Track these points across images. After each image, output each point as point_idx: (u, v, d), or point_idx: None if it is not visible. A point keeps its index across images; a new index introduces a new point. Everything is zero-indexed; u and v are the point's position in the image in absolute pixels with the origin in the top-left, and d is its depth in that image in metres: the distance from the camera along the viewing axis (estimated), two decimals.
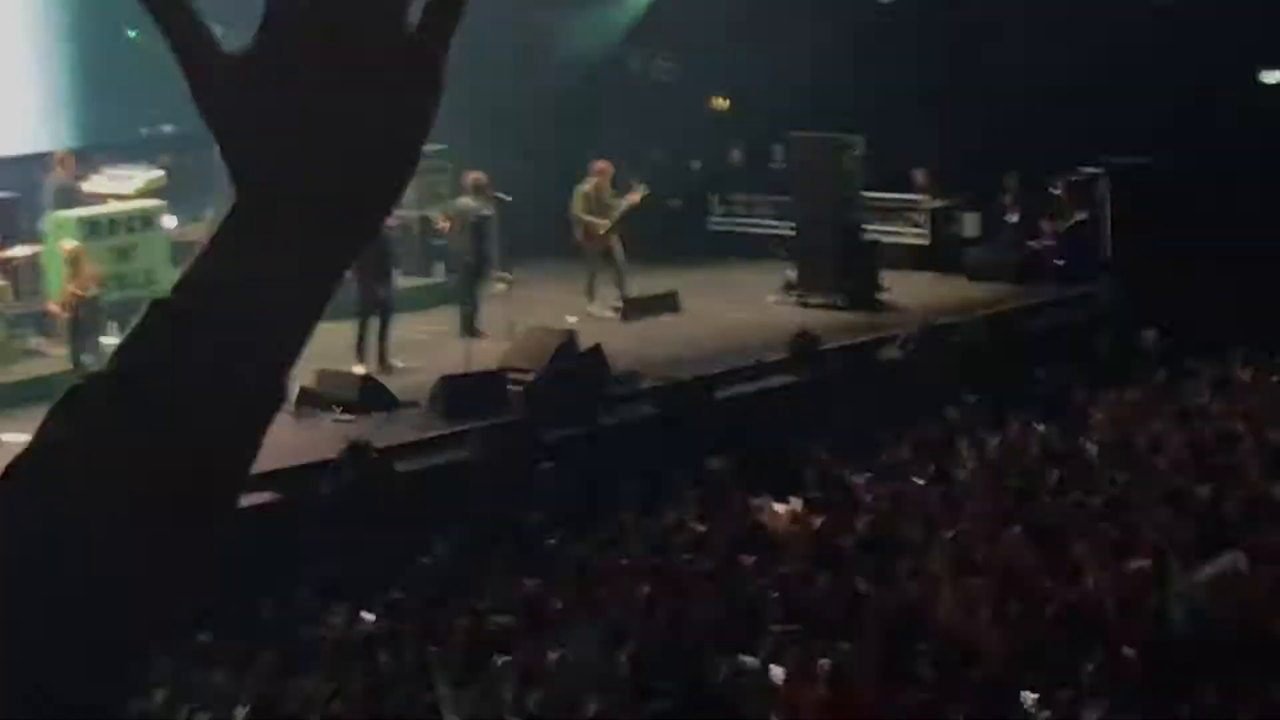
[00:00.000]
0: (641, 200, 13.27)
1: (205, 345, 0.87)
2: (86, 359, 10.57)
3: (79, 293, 11.03)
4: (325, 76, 0.91)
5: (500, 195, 12.80)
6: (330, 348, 10.56)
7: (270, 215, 0.89)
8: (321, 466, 9.71)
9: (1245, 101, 13.58)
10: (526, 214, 13.05)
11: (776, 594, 7.84)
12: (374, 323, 11.72)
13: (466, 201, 12.75)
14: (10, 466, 0.87)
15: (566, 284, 13.46)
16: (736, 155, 15.64)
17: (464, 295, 12.53)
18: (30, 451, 0.88)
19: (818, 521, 9.08)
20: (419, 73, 0.94)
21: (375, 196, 0.95)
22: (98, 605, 0.88)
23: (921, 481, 9.69)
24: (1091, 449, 9.89)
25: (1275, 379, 10.94)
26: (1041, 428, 10.55)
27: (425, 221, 13.63)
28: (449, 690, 7.04)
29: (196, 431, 0.87)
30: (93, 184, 12.56)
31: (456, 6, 0.94)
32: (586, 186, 13.10)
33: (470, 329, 12.22)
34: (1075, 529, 8.25)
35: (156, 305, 0.89)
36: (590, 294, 13.19)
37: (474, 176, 12.70)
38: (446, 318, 12.73)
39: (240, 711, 7.05)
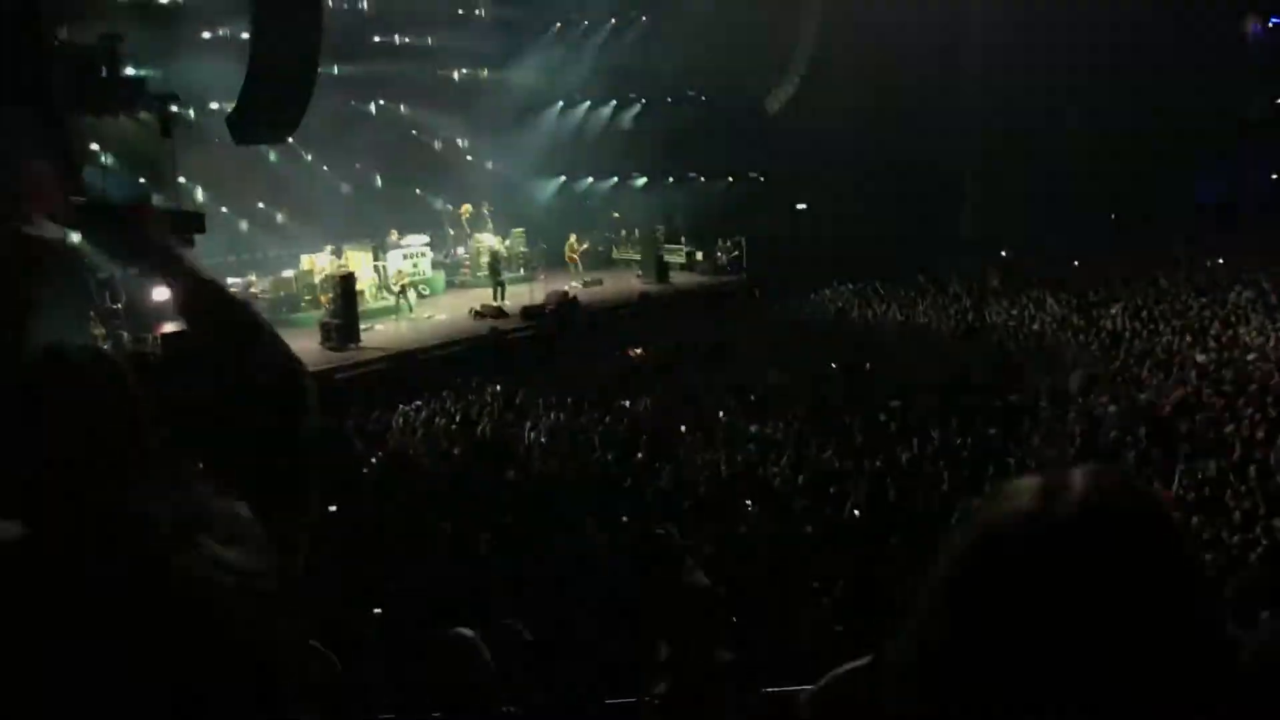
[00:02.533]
0: (588, 247, 37.19)
1: None
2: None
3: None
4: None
5: (541, 245, 36.88)
6: (480, 298, 33.82)
7: None
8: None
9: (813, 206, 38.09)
10: (552, 252, 36.80)
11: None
12: (498, 289, 34.93)
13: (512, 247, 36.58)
14: None
15: (562, 277, 36.06)
16: (622, 233, 39.63)
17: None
18: None
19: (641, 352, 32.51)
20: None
21: None
22: None
23: None
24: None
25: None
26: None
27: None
28: None
29: None
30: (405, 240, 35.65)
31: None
32: (570, 240, 36.82)
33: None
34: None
35: None
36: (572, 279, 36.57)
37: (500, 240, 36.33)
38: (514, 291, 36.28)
39: None
